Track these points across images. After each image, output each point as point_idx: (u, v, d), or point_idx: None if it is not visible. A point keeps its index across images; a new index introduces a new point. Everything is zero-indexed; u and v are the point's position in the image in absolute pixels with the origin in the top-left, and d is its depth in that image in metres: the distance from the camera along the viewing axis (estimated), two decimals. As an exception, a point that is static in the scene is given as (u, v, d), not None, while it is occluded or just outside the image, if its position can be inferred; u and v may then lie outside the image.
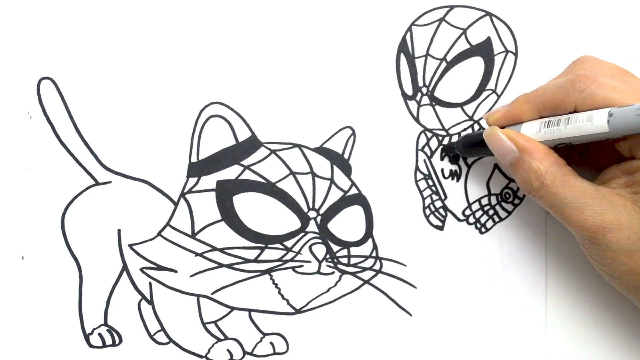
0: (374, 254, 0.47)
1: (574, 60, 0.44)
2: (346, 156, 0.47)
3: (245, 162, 0.45)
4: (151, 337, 0.45)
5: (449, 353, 0.48)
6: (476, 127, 0.48)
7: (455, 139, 0.48)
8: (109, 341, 0.45)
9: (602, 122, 0.37)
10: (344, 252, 0.46)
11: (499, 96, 0.48)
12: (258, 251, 0.45)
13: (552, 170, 0.40)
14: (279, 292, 0.46)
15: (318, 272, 0.46)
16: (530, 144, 0.41)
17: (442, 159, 0.48)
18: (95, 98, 0.45)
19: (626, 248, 0.38)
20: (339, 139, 0.47)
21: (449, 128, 0.48)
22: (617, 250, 0.38)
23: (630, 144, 0.39)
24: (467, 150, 0.46)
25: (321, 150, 0.46)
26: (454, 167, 0.48)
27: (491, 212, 0.48)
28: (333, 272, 0.46)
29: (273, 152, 0.46)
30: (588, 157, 0.44)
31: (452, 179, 0.48)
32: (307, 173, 0.46)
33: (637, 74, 0.42)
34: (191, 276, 0.45)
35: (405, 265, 0.47)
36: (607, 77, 0.40)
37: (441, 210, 0.48)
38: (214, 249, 0.45)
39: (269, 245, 0.45)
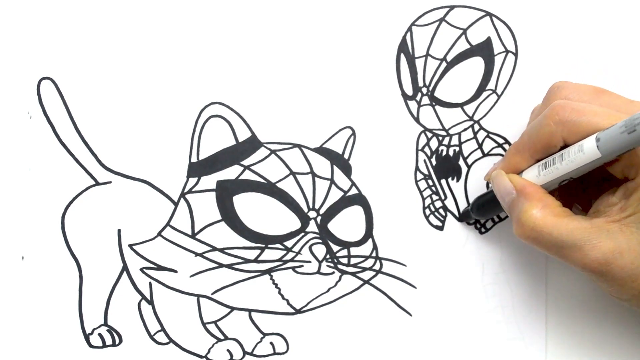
0: (374, 254, 0.47)
1: (548, 89, 0.43)
2: (346, 156, 0.47)
3: (245, 162, 0.45)
4: (151, 337, 0.45)
5: (449, 353, 0.48)
6: (476, 127, 0.48)
7: (455, 139, 0.48)
8: (109, 341, 0.45)
9: (592, 148, 0.37)
10: (344, 252, 0.46)
11: (499, 96, 0.48)
12: (258, 251, 0.45)
13: (543, 212, 0.39)
14: (279, 292, 0.46)
15: (318, 272, 0.46)
16: (528, 187, 0.41)
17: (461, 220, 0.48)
18: (95, 98, 0.45)
19: (632, 273, 0.37)
20: (339, 139, 0.47)
21: (449, 128, 0.48)
22: (624, 277, 0.38)
23: (622, 165, 0.39)
24: (481, 210, 0.46)
25: (321, 150, 0.46)
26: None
27: (491, 212, 0.48)
28: (333, 272, 0.46)
29: (273, 152, 0.46)
30: (588, 187, 0.44)
31: (453, 178, 0.48)
32: (307, 173, 0.46)
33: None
34: (191, 276, 0.45)
35: (405, 265, 0.47)
36: (585, 101, 0.40)
37: (441, 211, 0.48)
38: (214, 249, 0.45)
39: (269, 245, 0.45)
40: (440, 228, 0.48)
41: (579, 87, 0.42)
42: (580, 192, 0.44)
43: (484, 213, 0.46)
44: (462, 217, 0.48)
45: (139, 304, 0.45)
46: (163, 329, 0.45)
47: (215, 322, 0.46)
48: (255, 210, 0.45)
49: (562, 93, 0.42)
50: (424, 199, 0.48)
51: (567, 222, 0.39)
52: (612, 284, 0.38)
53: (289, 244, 0.46)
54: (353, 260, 0.46)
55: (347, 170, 0.47)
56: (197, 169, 0.45)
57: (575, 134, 0.39)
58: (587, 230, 0.38)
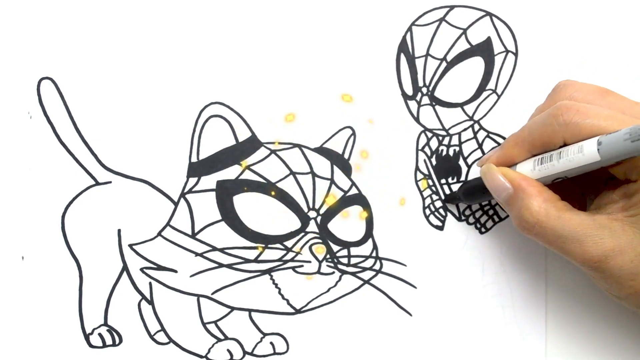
0: (374, 254, 0.47)
1: (553, 87, 0.43)
2: (346, 156, 0.47)
3: (245, 162, 0.45)
4: (151, 337, 0.45)
5: (449, 353, 0.48)
6: (476, 127, 0.48)
7: (455, 139, 0.48)
8: (109, 341, 0.45)
9: (592, 151, 0.37)
10: (344, 252, 0.46)
11: (499, 96, 0.48)
12: (258, 251, 0.45)
13: (545, 206, 0.39)
14: (279, 292, 0.46)
15: (318, 272, 0.46)
16: (524, 181, 0.41)
17: (444, 203, 0.48)
18: (95, 98, 0.45)
19: (630, 272, 0.38)
20: (339, 139, 0.47)
21: (449, 128, 0.48)
22: (622, 275, 0.38)
23: (624, 167, 0.38)
24: (469, 197, 0.46)
25: (321, 150, 0.46)
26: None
27: (491, 212, 0.48)
28: (333, 272, 0.46)
29: (273, 152, 0.46)
30: (584, 184, 0.44)
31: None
32: (307, 173, 0.46)
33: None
34: (191, 276, 0.45)
35: (405, 265, 0.47)
36: (589, 102, 0.40)
37: (441, 210, 0.48)
38: (214, 249, 0.45)
39: (269, 245, 0.45)
40: (441, 228, 0.48)
41: (585, 86, 0.42)
42: (573, 187, 0.43)
43: (472, 199, 0.46)
44: (447, 199, 0.48)
45: (139, 304, 0.45)
46: (163, 329, 0.45)
47: (215, 322, 0.46)
48: (255, 210, 0.45)
49: (567, 92, 0.42)
50: (424, 199, 0.48)
51: (570, 216, 0.39)
52: (610, 281, 0.39)
53: (289, 243, 0.46)
54: (353, 260, 0.46)
55: (347, 170, 0.47)
56: (197, 168, 0.45)
57: (578, 136, 0.38)
58: (589, 226, 0.38)
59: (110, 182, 0.45)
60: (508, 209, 0.42)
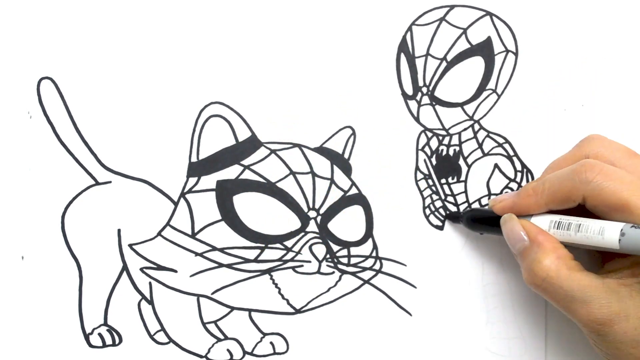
0: (374, 254, 0.47)
1: (583, 138, 0.44)
2: (346, 156, 0.47)
3: (245, 162, 0.45)
4: (151, 337, 0.45)
5: (449, 353, 0.48)
6: (476, 126, 0.48)
7: (455, 139, 0.48)
8: (109, 341, 0.45)
9: (613, 239, 0.37)
10: (344, 252, 0.46)
11: (499, 96, 0.48)
12: (258, 251, 0.45)
13: (557, 263, 0.39)
14: (279, 292, 0.46)
15: (318, 272, 0.46)
16: (541, 236, 0.41)
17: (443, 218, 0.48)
18: (95, 98, 0.44)
19: (633, 339, 0.38)
20: (339, 138, 0.47)
21: (449, 128, 0.48)
22: (624, 342, 0.38)
23: None
24: (473, 225, 0.46)
25: (321, 150, 0.46)
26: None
27: (491, 212, 0.48)
28: (333, 272, 0.46)
29: (273, 152, 0.46)
30: None
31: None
32: (307, 173, 0.46)
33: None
34: (191, 276, 0.45)
35: (405, 265, 0.47)
36: (615, 160, 0.40)
37: (441, 210, 0.48)
38: (214, 248, 0.45)
39: (269, 245, 0.45)
40: (441, 228, 0.48)
41: (613, 144, 0.42)
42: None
43: (475, 228, 0.46)
44: (449, 217, 0.48)
45: (139, 304, 0.45)
46: (163, 329, 0.45)
47: (215, 322, 0.46)
48: (255, 210, 0.45)
49: (594, 146, 0.42)
50: (424, 199, 0.48)
51: (580, 277, 0.39)
52: (611, 346, 0.38)
53: (289, 243, 0.46)
54: (353, 260, 0.46)
55: (347, 170, 0.47)
56: (197, 168, 0.45)
57: (597, 197, 0.39)
58: (598, 288, 0.38)
59: (110, 182, 0.45)
60: (520, 261, 0.42)
